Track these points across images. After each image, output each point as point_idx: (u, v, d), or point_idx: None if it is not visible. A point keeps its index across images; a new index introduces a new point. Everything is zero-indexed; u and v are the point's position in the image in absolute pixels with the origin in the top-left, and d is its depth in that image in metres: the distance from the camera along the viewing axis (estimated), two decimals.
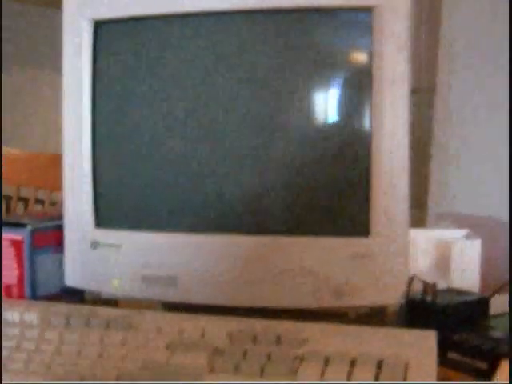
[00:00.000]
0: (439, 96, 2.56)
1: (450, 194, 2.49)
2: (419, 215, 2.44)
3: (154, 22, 0.92)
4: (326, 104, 0.89)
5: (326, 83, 0.88)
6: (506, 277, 0.98)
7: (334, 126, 0.88)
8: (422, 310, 0.88)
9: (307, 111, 0.88)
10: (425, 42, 2.53)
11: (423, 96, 2.55)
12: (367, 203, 0.86)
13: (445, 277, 1.02)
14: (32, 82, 5.59)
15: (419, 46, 2.50)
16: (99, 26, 0.94)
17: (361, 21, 0.86)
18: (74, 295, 0.99)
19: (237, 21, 0.89)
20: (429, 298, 0.89)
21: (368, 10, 0.85)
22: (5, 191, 2.20)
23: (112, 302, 0.97)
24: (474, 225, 1.11)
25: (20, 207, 2.19)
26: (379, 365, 0.69)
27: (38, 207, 2.17)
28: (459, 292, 0.94)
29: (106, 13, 0.93)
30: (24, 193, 2.10)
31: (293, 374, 0.69)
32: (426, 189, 2.54)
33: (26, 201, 2.18)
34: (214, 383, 0.69)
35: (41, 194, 2.04)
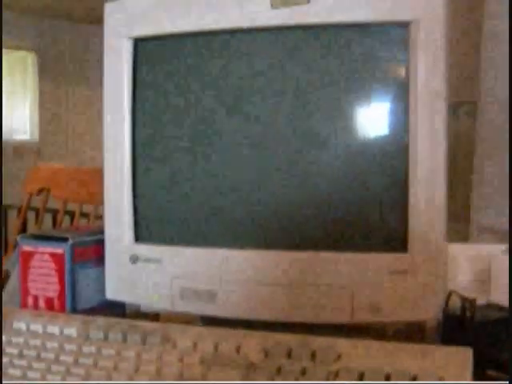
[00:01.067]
0: (482, 109, 2.54)
1: (493, 208, 2.46)
2: (462, 229, 2.42)
3: (193, 39, 0.93)
4: (363, 119, 0.89)
5: (362, 98, 0.88)
6: None
7: (371, 140, 0.88)
8: (461, 325, 0.87)
9: (343, 126, 0.88)
10: (467, 55, 2.52)
11: (466, 109, 2.53)
12: (405, 219, 0.85)
13: (484, 292, 1.01)
14: (76, 98, 5.67)
15: (461, 59, 2.49)
16: (139, 44, 0.95)
17: (397, 36, 0.86)
18: (115, 308, 1.00)
19: (273, 37, 0.90)
20: (467, 314, 0.88)
21: (405, 24, 0.85)
22: (52, 205, 2.23)
23: (153, 316, 0.98)
24: None
25: (66, 221, 2.22)
26: (414, 381, 0.68)
27: (84, 221, 2.21)
28: (499, 308, 0.92)
29: (146, 30, 0.94)
30: (70, 207, 2.13)
31: None
32: (469, 203, 2.51)
33: (72, 214, 2.21)
34: None
35: (86, 208, 2.07)
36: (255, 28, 0.89)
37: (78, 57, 5.57)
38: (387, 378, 0.69)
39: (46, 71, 5.68)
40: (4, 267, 1.30)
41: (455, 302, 0.90)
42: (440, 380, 0.68)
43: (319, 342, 0.77)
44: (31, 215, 2.90)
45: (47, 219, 2.82)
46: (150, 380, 0.73)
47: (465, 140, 2.52)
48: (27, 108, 5.72)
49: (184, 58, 0.93)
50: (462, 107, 2.51)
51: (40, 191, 2.12)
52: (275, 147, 0.90)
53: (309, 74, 0.89)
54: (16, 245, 1.03)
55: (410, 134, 0.85)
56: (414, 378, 0.69)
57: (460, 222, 2.42)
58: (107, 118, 0.97)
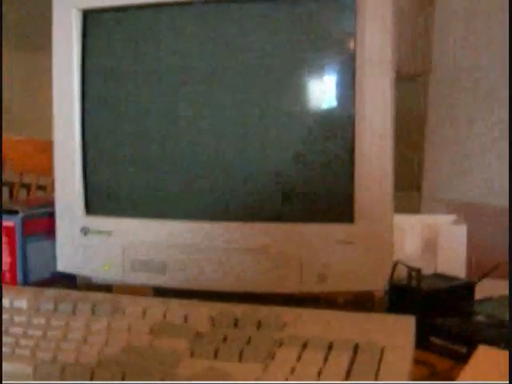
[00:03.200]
0: (434, 81, 2.56)
1: (443, 179, 2.49)
2: (414, 198, 2.44)
3: (142, 11, 0.93)
4: (308, 88, 0.89)
5: (308, 67, 0.88)
6: (493, 262, 0.99)
7: (316, 110, 0.88)
8: (407, 295, 0.89)
9: (288, 95, 0.88)
10: (420, 28, 2.53)
11: (418, 81, 2.55)
12: (351, 189, 0.86)
13: (431, 262, 1.03)
14: (37, 68, 5.59)
15: (415, 31, 2.50)
16: (88, 16, 0.94)
17: (345, 2, 0.86)
18: (67, 281, 1.01)
19: (223, 7, 0.90)
20: (413, 283, 0.89)
21: None
22: (8, 178, 2.22)
23: (105, 287, 0.99)
24: (463, 210, 1.12)
25: (22, 193, 2.21)
26: (356, 349, 0.70)
27: (41, 193, 2.19)
28: (445, 277, 0.94)
29: (95, 2, 0.94)
30: (27, 179, 2.11)
31: (270, 358, 0.69)
32: (421, 173, 2.54)
33: (28, 187, 2.20)
34: None
35: (43, 181, 2.06)
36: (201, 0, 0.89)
37: (42, 21, 5.48)
38: (330, 346, 0.70)
39: (8, 37, 5.59)
40: None
41: (402, 272, 0.91)
42: (382, 347, 0.70)
43: (265, 311, 0.78)
44: None
45: (4, 193, 2.79)
46: (98, 349, 0.74)
47: (418, 110, 2.54)
48: None
49: (133, 30, 0.93)
50: (415, 78, 2.53)
51: None
52: (221, 119, 0.90)
53: (254, 44, 0.89)
54: None
55: (356, 102, 0.85)
56: (356, 346, 0.70)
57: (413, 191, 2.46)
58: (57, 91, 0.96)
